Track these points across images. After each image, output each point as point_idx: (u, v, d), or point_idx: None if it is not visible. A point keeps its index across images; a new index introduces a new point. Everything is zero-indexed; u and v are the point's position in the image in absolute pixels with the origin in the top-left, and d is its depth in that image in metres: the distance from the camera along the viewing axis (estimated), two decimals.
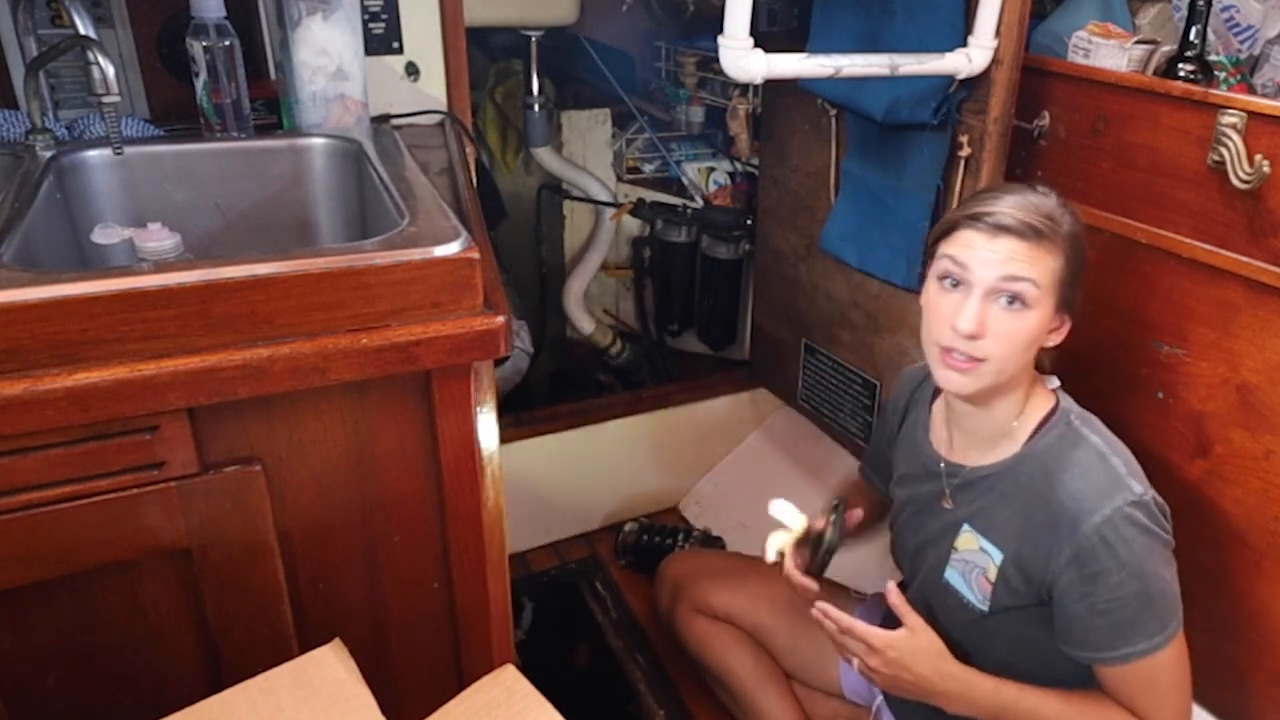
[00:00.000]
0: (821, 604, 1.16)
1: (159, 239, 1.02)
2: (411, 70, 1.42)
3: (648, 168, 2.48)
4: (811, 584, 1.25)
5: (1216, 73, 1.35)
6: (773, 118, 1.93)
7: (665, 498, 2.22)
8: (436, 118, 1.44)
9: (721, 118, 2.25)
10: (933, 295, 1.06)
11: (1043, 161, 1.44)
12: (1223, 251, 1.20)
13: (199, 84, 1.19)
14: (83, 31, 1.02)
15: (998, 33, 1.30)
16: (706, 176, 2.42)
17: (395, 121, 1.39)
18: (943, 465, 1.17)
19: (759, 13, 1.78)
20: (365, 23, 1.32)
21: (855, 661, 1.16)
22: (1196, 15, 1.29)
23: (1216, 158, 1.17)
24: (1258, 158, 1.12)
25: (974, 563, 1.13)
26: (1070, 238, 1.03)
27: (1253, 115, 1.13)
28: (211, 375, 0.75)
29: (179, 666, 0.88)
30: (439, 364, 0.83)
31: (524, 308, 2.40)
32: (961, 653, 1.13)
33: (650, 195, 2.39)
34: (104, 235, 1.01)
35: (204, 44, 1.17)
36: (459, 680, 0.98)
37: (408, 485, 0.89)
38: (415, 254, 0.80)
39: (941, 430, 1.21)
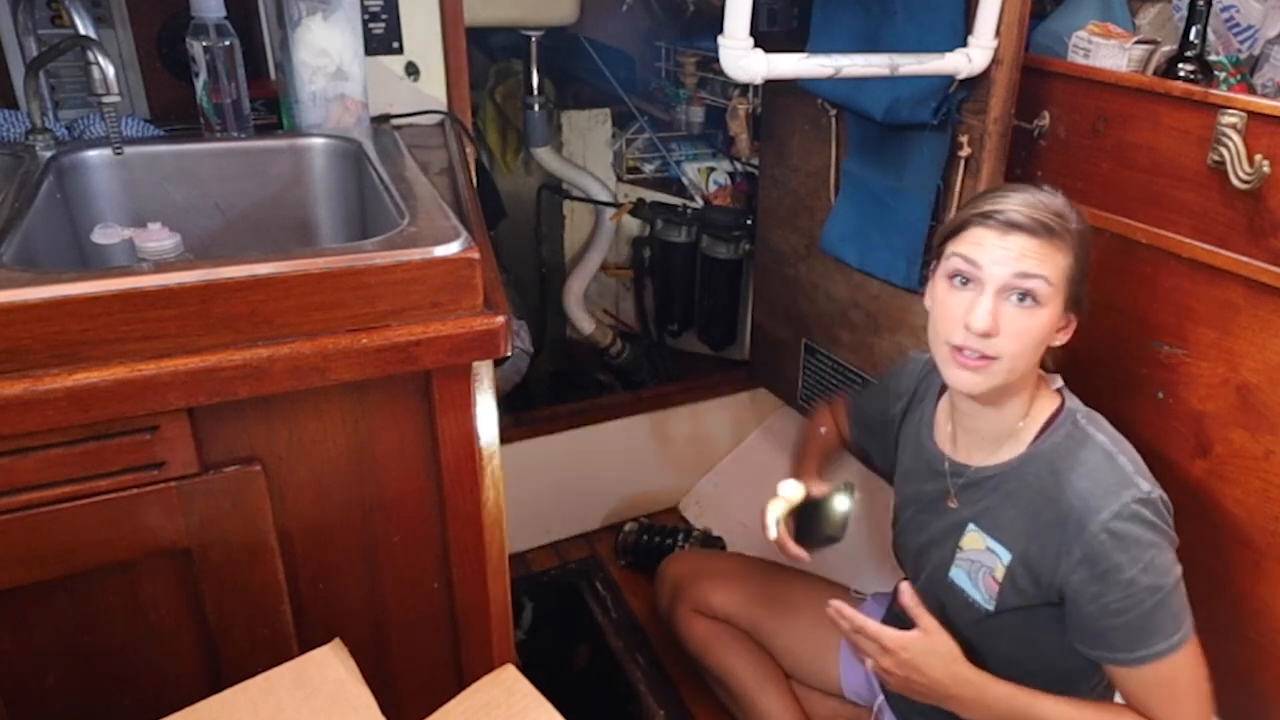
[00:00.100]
0: (836, 603, 1.16)
1: (159, 239, 1.02)
2: (411, 70, 1.42)
3: (648, 168, 2.48)
4: (803, 553, 1.26)
5: (1216, 73, 1.35)
6: (773, 118, 1.93)
7: (665, 498, 2.22)
8: (436, 118, 1.44)
9: (721, 118, 2.25)
10: (942, 294, 1.06)
11: (1043, 161, 1.44)
12: (1223, 251, 1.20)
13: (199, 84, 1.19)
14: (83, 31, 1.02)
15: (998, 33, 1.30)
16: (706, 176, 2.42)
17: (395, 121, 1.39)
18: (947, 464, 1.17)
19: (759, 13, 1.78)
20: (365, 23, 1.32)
21: (869, 661, 1.15)
22: (1196, 15, 1.29)
23: (1216, 158, 1.17)
24: (1258, 158, 1.12)
25: (980, 562, 1.12)
26: (1079, 235, 1.03)
27: (1253, 115, 1.13)
28: (211, 375, 0.75)
29: (179, 666, 0.88)
30: (439, 364, 0.83)
31: (524, 308, 2.40)
32: (965, 651, 1.13)
33: (650, 195, 2.39)
34: (104, 235, 1.01)
35: (204, 44, 1.17)
36: (459, 680, 0.98)
37: (408, 485, 0.89)
38: (415, 254, 0.80)
39: (945, 429, 1.20)
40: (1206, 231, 1.22)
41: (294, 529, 0.87)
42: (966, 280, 1.03)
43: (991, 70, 1.33)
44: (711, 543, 2.01)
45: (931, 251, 1.15)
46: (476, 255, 0.82)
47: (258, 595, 0.86)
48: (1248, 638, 1.27)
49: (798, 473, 1.42)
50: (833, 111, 1.69)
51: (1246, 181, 1.13)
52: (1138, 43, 1.34)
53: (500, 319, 0.83)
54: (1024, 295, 1.00)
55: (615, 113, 2.41)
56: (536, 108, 2.18)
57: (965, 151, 1.40)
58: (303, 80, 1.23)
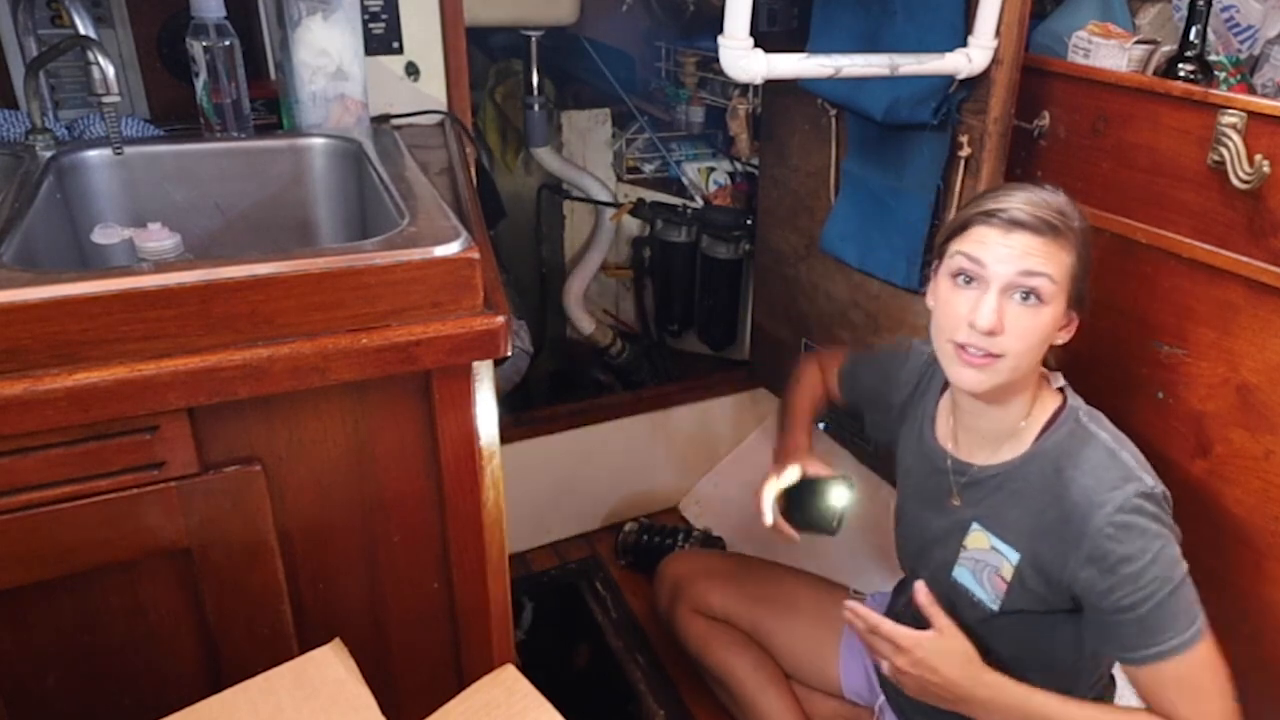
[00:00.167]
0: (851, 603, 1.16)
1: (159, 239, 1.02)
2: (411, 70, 1.42)
3: (648, 168, 2.48)
4: (793, 534, 1.28)
5: (1216, 73, 1.35)
6: (773, 118, 1.93)
7: (665, 498, 2.22)
8: (436, 118, 1.44)
9: (721, 118, 2.25)
10: (945, 293, 1.06)
11: (1043, 161, 1.44)
12: (1223, 251, 1.20)
13: (199, 84, 1.19)
14: (83, 31, 1.02)
15: (998, 33, 1.30)
16: (706, 176, 2.42)
17: (395, 121, 1.39)
18: (949, 462, 1.17)
19: (759, 13, 1.78)
20: (365, 23, 1.32)
21: (884, 665, 1.14)
22: (1196, 15, 1.29)
23: (1216, 158, 1.17)
24: (1258, 158, 1.12)
25: (985, 561, 1.12)
26: (1081, 233, 1.03)
27: (1253, 115, 1.13)
28: (211, 375, 0.75)
29: (179, 666, 0.88)
30: (439, 364, 0.83)
31: (524, 308, 2.40)
32: None
33: (650, 195, 2.39)
34: (104, 235, 1.01)
35: (204, 44, 1.17)
36: (459, 680, 0.98)
37: (408, 485, 0.89)
38: (415, 254, 0.80)
39: (946, 427, 1.20)
40: (1206, 231, 1.22)
41: (294, 529, 0.87)
42: (970, 279, 1.03)
43: (991, 70, 1.33)
44: (711, 543, 2.01)
45: (932, 251, 1.15)
46: (476, 255, 0.82)
47: (258, 595, 0.86)
48: (1248, 638, 1.27)
49: (788, 439, 1.40)
50: (833, 111, 1.69)
51: (1246, 181, 1.13)
52: (1138, 43, 1.34)
53: (500, 319, 0.83)
54: (1028, 293, 1.01)
55: (615, 113, 2.41)
56: (536, 108, 2.18)
57: (965, 151, 1.40)
58: (303, 80, 1.23)
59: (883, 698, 1.34)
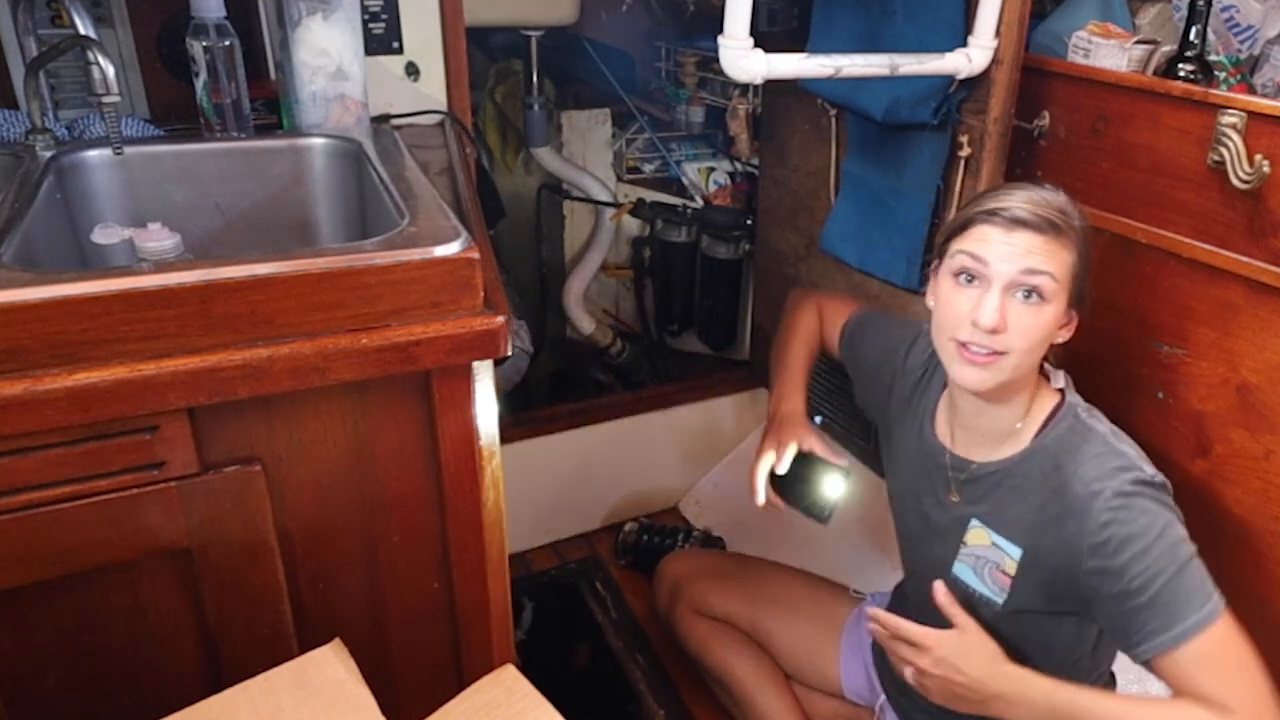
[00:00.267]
0: (873, 610, 1.16)
1: (159, 239, 1.02)
2: (411, 70, 1.42)
3: (648, 168, 2.48)
4: (781, 504, 1.28)
5: (1216, 73, 1.35)
6: (773, 118, 1.93)
7: (665, 498, 2.22)
8: (436, 118, 1.44)
9: (721, 118, 2.25)
10: (947, 292, 1.06)
11: (1043, 161, 1.44)
12: (1223, 251, 1.20)
13: (199, 84, 1.19)
14: (83, 31, 1.02)
15: (998, 33, 1.30)
16: (706, 176, 2.42)
17: (395, 121, 1.39)
18: (948, 458, 1.17)
19: (759, 13, 1.78)
20: (365, 23, 1.32)
21: (908, 672, 1.13)
22: (1196, 15, 1.29)
23: (1216, 158, 1.17)
24: (1258, 158, 1.12)
25: (986, 558, 1.12)
26: (1081, 232, 1.04)
27: (1253, 115, 1.13)
28: (211, 375, 0.75)
29: (179, 666, 0.88)
30: (439, 364, 0.83)
31: (524, 308, 2.40)
32: None
33: (650, 195, 2.39)
34: (104, 235, 1.01)
35: (204, 44, 1.17)
36: (459, 680, 0.98)
37: (408, 485, 0.89)
38: (415, 254, 0.80)
39: (945, 424, 1.20)
40: (1206, 231, 1.22)
41: (294, 529, 0.87)
42: (972, 277, 1.03)
43: (991, 70, 1.33)
44: (711, 543, 2.01)
45: (932, 251, 1.15)
46: (476, 255, 0.82)
47: (258, 595, 0.86)
48: (1248, 637, 1.27)
49: (783, 403, 1.35)
50: (833, 111, 1.69)
51: (1246, 181, 1.13)
52: (1138, 43, 1.34)
53: (500, 319, 0.83)
54: (1030, 292, 1.01)
55: (615, 113, 2.41)
56: (536, 108, 2.18)
57: (965, 151, 1.40)
58: (303, 80, 1.23)
59: (883, 697, 1.34)
